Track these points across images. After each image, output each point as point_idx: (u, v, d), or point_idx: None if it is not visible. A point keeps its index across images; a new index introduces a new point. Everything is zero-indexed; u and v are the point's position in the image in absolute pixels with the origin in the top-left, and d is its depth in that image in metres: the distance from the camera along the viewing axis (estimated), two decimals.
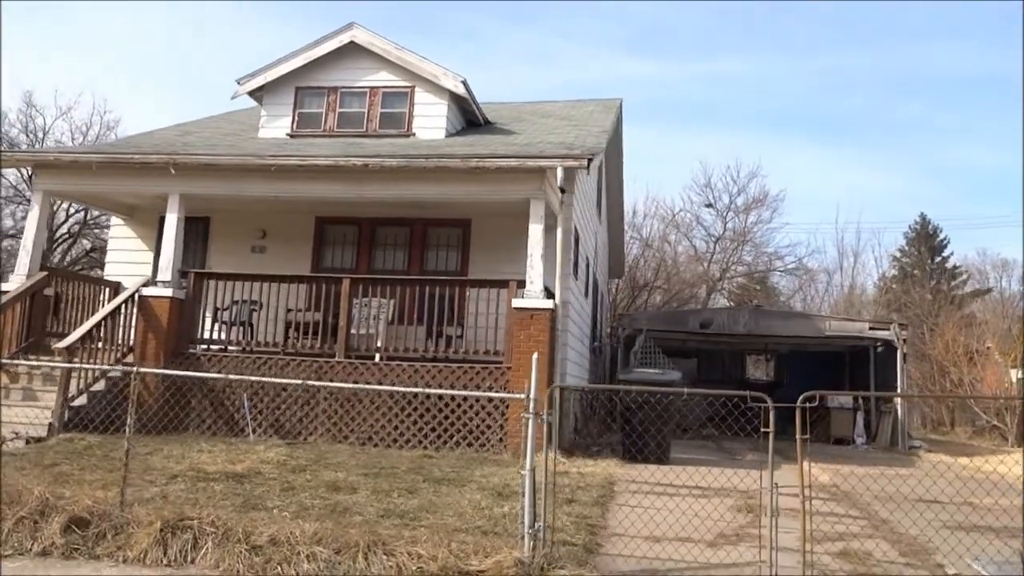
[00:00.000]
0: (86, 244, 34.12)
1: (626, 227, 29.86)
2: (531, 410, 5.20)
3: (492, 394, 6.44)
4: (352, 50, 13.24)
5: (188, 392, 10.06)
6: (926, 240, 45.82)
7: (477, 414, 9.64)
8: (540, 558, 5.04)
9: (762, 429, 5.04)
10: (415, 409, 9.77)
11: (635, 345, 15.50)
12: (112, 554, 5.27)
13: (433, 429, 9.65)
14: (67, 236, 33.81)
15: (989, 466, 12.22)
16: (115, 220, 13.43)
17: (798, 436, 5.09)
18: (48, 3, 47.60)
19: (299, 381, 6.38)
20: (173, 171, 10.44)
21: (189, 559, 5.22)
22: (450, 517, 6.19)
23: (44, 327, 11.05)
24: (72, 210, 30.89)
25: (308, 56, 13.22)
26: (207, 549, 5.27)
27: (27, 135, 34.29)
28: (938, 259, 45.52)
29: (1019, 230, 57.64)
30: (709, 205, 39.68)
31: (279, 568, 5.06)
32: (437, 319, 10.46)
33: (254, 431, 10.01)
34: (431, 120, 13.02)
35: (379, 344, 10.59)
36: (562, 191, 9.69)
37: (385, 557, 5.09)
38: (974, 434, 21.11)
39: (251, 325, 10.88)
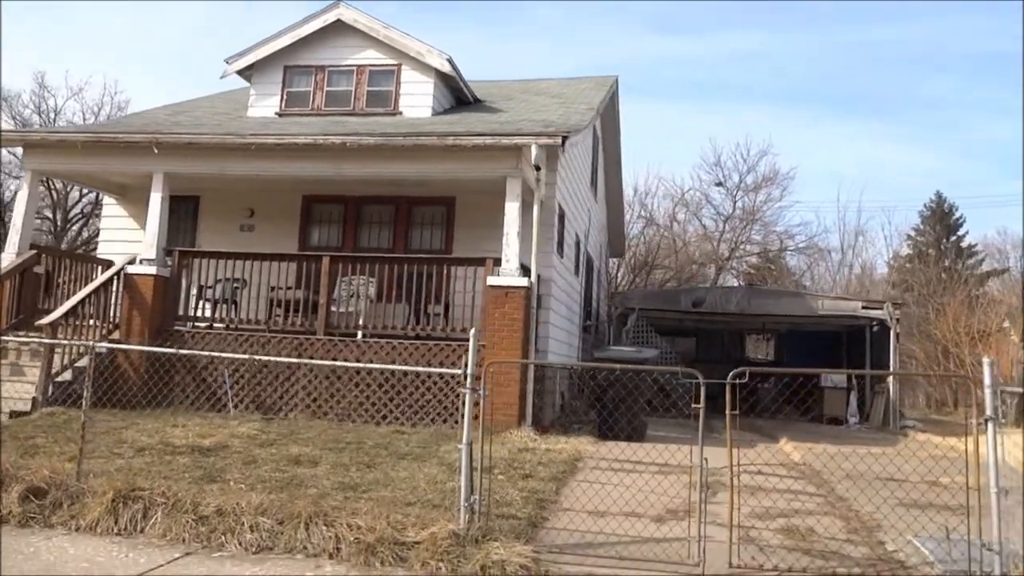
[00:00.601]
0: (100, 224, 34.57)
1: (630, 206, 29.78)
2: (468, 385, 5.25)
3: (432, 370, 6.50)
4: (339, 28, 13.25)
5: (172, 368, 10.23)
6: (941, 219, 45.22)
7: (453, 391, 9.73)
8: (475, 530, 5.12)
9: (693, 405, 5.06)
10: (392, 387, 9.89)
11: (627, 323, 15.51)
12: (66, 523, 5.42)
13: (410, 406, 9.77)
14: (80, 216, 34.28)
15: (974, 446, 12.17)
16: (107, 199, 13.60)
17: (727, 412, 5.13)
18: None
19: (269, 357, 6.51)
20: (156, 150, 10.56)
21: (139, 528, 5.36)
22: (402, 490, 6.30)
23: (35, 304, 11.27)
24: (84, 191, 31.24)
25: (295, 35, 13.25)
26: (157, 519, 5.41)
27: (40, 116, 34.70)
28: (953, 238, 44.94)
29: None
30: (719, 184, 39.38)
31: (223, 537, 5.18)
32: (418, 297, 10.55)
33: (235, 406, 10.18)
34: (417, 98, 13.03)
35: (361, 322, 10.69)
36: (537, 168, 9.67)
37: (325, 528, 5.20)
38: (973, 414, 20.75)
39: (235, 303, 11.02)
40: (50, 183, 29.62)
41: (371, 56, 13.20)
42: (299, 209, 12.71)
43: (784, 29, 62.39)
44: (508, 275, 9.77)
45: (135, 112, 14.51)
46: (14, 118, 33.19)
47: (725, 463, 8.47)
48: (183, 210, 12.88)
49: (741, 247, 37.55)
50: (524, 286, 9.72)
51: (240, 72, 13.60)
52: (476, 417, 5.53)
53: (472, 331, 5.32)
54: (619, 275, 26.55)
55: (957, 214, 45.32)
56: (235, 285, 11.06)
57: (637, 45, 61.71)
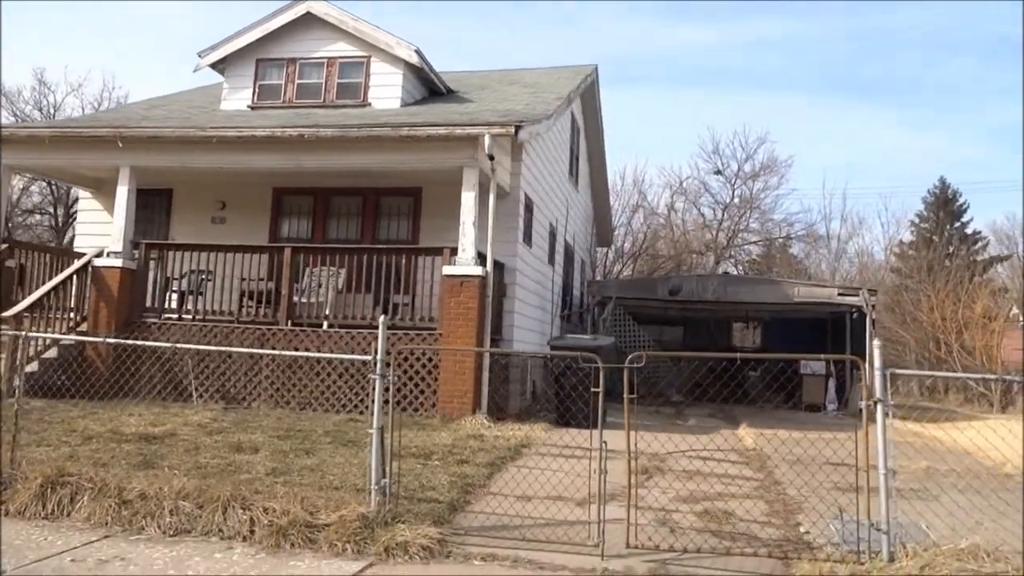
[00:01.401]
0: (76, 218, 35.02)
1: (617, 196, 29.73)
2: (377, 372, 5.35)
3: (344, 356, 6.59)
4: (309, 21, 13.34)
5: (138, 360, 10.39)
6: (945, 204, 44.81)
7: (411, 379, 9.85)
8: (385, 513, 5.24)
9: (592, 389, 5.14)
10: (352, 375, 10.02)
11: (604, 312, 15.58)
12: None
13: (368, 395, 9.87)
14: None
15: (942, 432, 12.18)
16: (83, 193, 13.79)
17: (625, 396, 5.20)
18: None
19: (224, 348, 6.62)
20: (120, 144, 10.70)
21: (65, 512, 5.51)
22: (332, 476, 6.42)
23: (10, 298, 11.46)
24: None
25: (266, 28, 13.36)
26: (83, 503, 5.56)
27: (40, 112, 35.05)
28: (957, 224, 44.57)
29: None
30: (718, 172, 39.25)
31: (143, 521, 5.33)
32: (383, 287, 10.66)
33: (200, 396, 10.35)
34: (387, 90, 13.11)
35: (327, 312, 10.83)
36: (491, 158, 9.74)
37: (242, 511, 5.33)
38: (965, 401, 20.89)
39: (201, 294, 11.17)
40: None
41: (341, 48, 13.30)
42: (270, 201, 12.85)
43: (779, 16, 61.92)
44: (464, 264, 9.87)
45: (115, 107, 14.65)
46: (15, 115, 33.54)
47: (670, 449, 8.58)
48: (156, 203, 13.05)
49: (739, 235, 37.52)
50: (479, 275, 9.81)
51: (213, 65, 13.72)
52: (395, 402, 5.63)
53: (381, 318, 5.42)
54: (617, 266, 26.59)
55: (961, 200, 44.86)
56: (203, 277, 11.21)
57: (647, 31, 61.48)
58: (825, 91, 63.50)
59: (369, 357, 5.45)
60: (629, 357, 5.05)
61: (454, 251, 10.02)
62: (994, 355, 17.96)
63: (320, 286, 11.12)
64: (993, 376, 17.47)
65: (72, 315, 10.88)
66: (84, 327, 10.83)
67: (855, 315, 16.19)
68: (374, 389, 5.43)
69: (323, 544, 5.03)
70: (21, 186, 32.25)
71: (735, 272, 36.77)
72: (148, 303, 11.10)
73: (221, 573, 4.56)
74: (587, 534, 5.11)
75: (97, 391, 9.70)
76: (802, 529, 5.68)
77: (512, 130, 9.59)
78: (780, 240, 39.32)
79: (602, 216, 21.51)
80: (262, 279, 11.24)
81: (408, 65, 13.17)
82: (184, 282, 11.20)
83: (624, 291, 16.20)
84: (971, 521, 5.73)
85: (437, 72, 13.79)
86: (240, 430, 8.18)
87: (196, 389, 10.34)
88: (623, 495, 6.64)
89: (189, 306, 11.26)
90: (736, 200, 37.21)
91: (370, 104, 13.08)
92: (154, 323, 10.89)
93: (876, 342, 4.90)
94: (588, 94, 18.06)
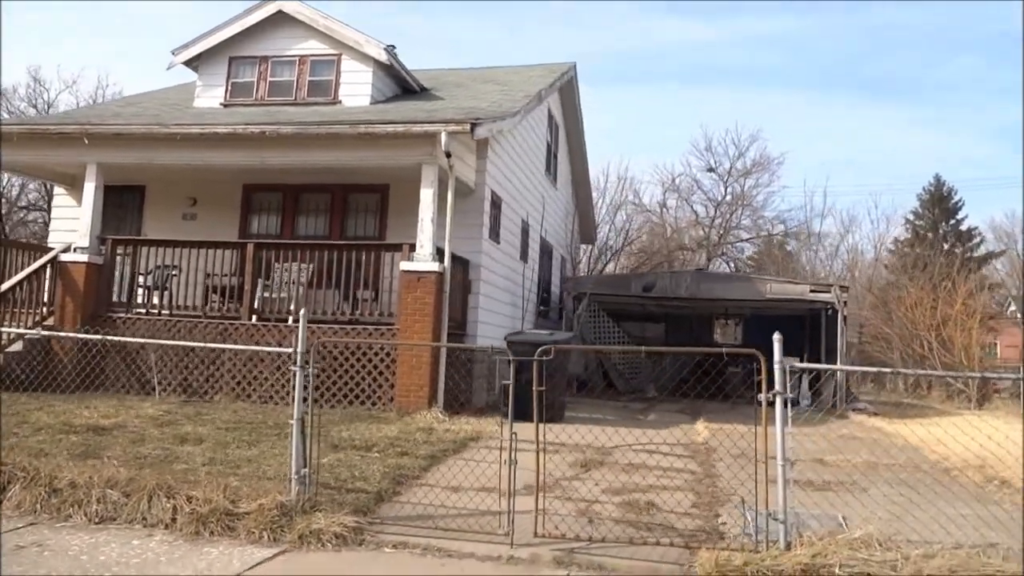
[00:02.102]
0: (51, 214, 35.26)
1: (600, 193, 29.75)
2: (297, 364, 5.45)
3: (269, 348, 6.71)
4: (282, 19, 13.45)
5: (103, 354, 10.52)
6: (940, 202, 44.81)
7: (369, 374, 9.97)
8: (305, 502, 5.35)
9: (502, 382, 5.23)
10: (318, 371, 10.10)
11: (579, 308, 15.67)
12: None
13: (328, 388, 9.99)
14: None
15: (907, 428, 12.26)
16: (58, 189, 13.92)
17: (534, 389, 5.30)
18: None
19: (183, 343, 6.71)
20: (86, 141, 10.82)
21: None
22: (269, 466, 6.53)
23: None
24: None
25: (239, 26, 13.46)
26: (14, 491, 5.69)
27: (36, 109, 35.20)
28: (952, 221, 44.55)
29: None
30: (711, 169, 39.28)
31: (71, 509, 5.46)
32: (347, 283, 10.77)
33: (164, 390, 10.47)
34: (357, 87, 13.21)
35: (292, 307, 10.94)
36: (448, 155, 9.82)
37: (166, 500, 5.45)
38: (946, 398, 20.93)
39: (167, 289, 11.29)
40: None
41: (312, 46, 13.40)
42: (240, 198, 12.96)
43: (779, 14, 61.85)
44: (421, 260, 9.97)
45: (91, 105, 14.78)
46: (10, 112, 33.69)
47: (616, 442, 8.68)
48: (130, 200, 13.19)
49: (731, 233, 37.57)
50: (436, 271, 9.91)
51: (188, 63, 13.84)
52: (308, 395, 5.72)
53: (302, 312, 5.52)
54: (601, 263, 26.67)
55: (956, 197, 44.87)
56: (170, 272, 11.33)
57: (647, 28, 61.46)
58: (823, 88, 63.45)
59: (290, 350, 5.55)
60: (539, 350, 5.15)
61: (412, 247, 10.12)
62: (971, 352, 18.00)
63: (287, 282, 11.24)
64: (924, 372, 17.56)
65: (41, 309, 11.01)
66: (51, 321, 10.96)
67: (829, 312, 16.25)
68: (294, 381, 5.52)
69: (241, 532, 5.14)
70: (20, 184, 32.45)
71: (727, 269, 36.90)
72: (115, 298, 11.22)
73: (132, 559, 4.67)
74: (498, 524, 5.21)
75: (61, 385, 9.83)
76: (720, 520, 5.78)
77: (468, 127, 9.68)
78: (773, 237, 39.36)
79: (585, 213, 21.58)
80: (229, 274, 11.36)
81: (378, 63, 13.26)
82: (151, 277, 11.31)
83: (599, 287, 16.29)
84: (888, 513, 5.82)
85: (408, 70, 13.89)
86: (191, 422, 8.29)
87: (159, 383, 10.47)
88: (553, 486, 6.77)
89: (155, 301, 11.38)
90: (728, 197, 37.32)
91: (340, 102, 13.18)
92: (120, 318, 11.01)
93: (776, 336, 4.99)
94: (567, 92, 18.13)
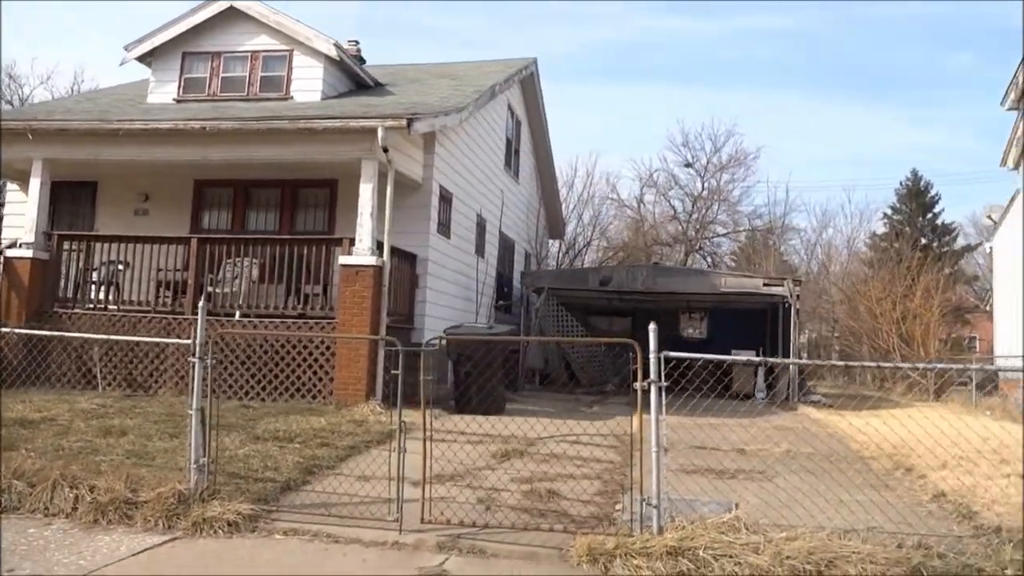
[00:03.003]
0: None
1: (566, 186, 29.83)
2: (196, 355, 5.55)
3: (168, 340, 6.81)
4: (233, 15, 13.48)
5: (48, 349, 10.58)
6: (917, 196, 45.13)
7: (310, 367, 10.08)
8: (203, 491, 5.47)
9: (392, 371, 5.35)
10: (254, 363, 10.22)
11: (536, 302, 15.82)
12: None
13: (270, 381, 10.09)
14: None
15: (845, 421, 12.33)
16: (11, 186, 13.96)
17: (421, 378, 5.42)
18: None
19: (106, 336, 6.79)
20: (31, 136, 10.88)
21: None
22: (182, 457, 6.62)
23: None
24: None
25: (191, 21, 13.50)
26: None
27: (11, 105, 35.06)
28: (928, 216, 44.89)
29: None
30: (689, 165, 39.48)
31: None
32: (295, 277, 10.87)
33: (108, 384, 10.56)
34: (308, 83, 13.27)
35: (240, 302, 11.04)
36: (385, 150, 9.92)
37: (69, 489, 5.56)
38: (907, 391, 21.15)
39: (115, 284, 11.36)
40: None
41: (264, 42, 13.45)
42: (191, 193, 13.02)
43: (770, 11, 62.07)
44: (360, 254, 10.08)
45: (51, 100, 14.79)
46: None
47: (549, 433, 8.82)
48: (82, 195, 13.24)
49: (708, 227, 37.78)
50: (374, 265, 10.02)
51: (140, 58, 13.86)
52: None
53: (200, 303, 5.62)
54: (567, 258, 26.81)
55: (933, 192, 45.19)
56: (118, 267, 11.40)
57: (645, 24, 61.58)
58: (809, 85, 63.69)
59: (190, 341, 5.65)
60: (426, 340, 5.26)
61: (352, 241, 10.22)
62: (928, 345, 18.24)
63: (236, 276, 11.33)
64: (851, 363, 17.79)
65: None
66: None
67: (787, 305, 16.43)
68: (192, 372, 5.62)
69: (138, 520, 5.26)
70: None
71: (705, 264, 37.12)
72: (61, 294, 11.28)
73: (20, 546, 4.77)
74: (387, 510, 5.34)
75: (7, 380, 9.90)
76: (619, 507, 5.91)
77: (405, 123, 9.78)
78: (756, 233, 39.60)
79: (551, 208, 21.71)
80: (179, 269, 11.44)
81: (328, 59, 13.32)
82: (99, 273, 11.38)
83: (557, 282, 16.42)
84: (785, 499, 5.95)
85: (361, 66, 13.99)
86: (122, 416, 8.39)
87: (103, 377, 10.55)
88: (467, 475, 6.91)
89: (103, 296, 11.45)
90: (705, 192, 37.52)
91: (292, 97, 13.24)
92: (66, 313, 11.08)
93: (652, 326, 5.12)
94: (528, 87, 18.24)
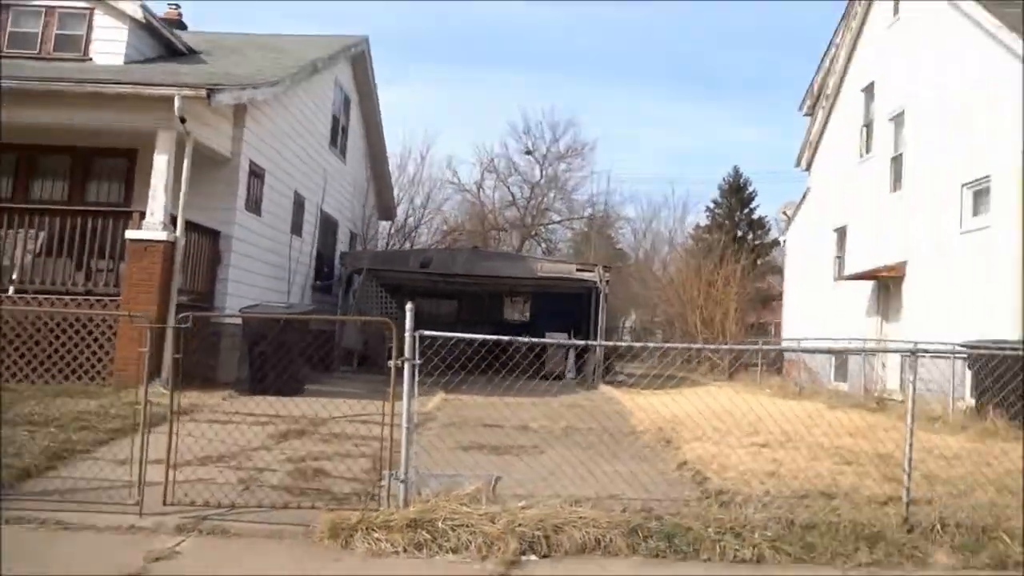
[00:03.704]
0: None
1: (398, 169, 29.78)
2: None
3: None
4: None
5: None
6: (736, 192, 48.51)
7: (89, 347, 9.52)
8: None
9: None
10: (24, 343, 9.51)
11: (354, 283, 15.71)
12: None
13: (42, 363, 9.44)
14: None
15: (635, 400, 13.11)
16: None
17: (170, 356, 5.29)
18: None
19: None
20: None
21: None
22: None
23: None
24: None
25: None
26: None
27: None
28: (746, 211, 48.46)
29: None
30: (529, 152, 40.46)
31: None
32: (85, 252, 10.19)
33: None
34: (111, 44, 12.45)
35: (14, 277, 10.21)
36: (183, 120, 9.50)
37: None
38: (709, 371, 22.87)
39: None
40: None
41: None
42: None
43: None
44: (150, 229, 9.62)
45: None
46: None
47: (341, 413, 8.82)
48: None
49: (544, 214, 38.90)
50: (165, 240, 9.59)
51: None
52: None
53: None
54: (395, 240, 26.76)
55: (750, 188, 48.58)
56: None
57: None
58: (648, 80, 66.63)
59: None
60: (179, 317, 5.13)
61: (142, 215, 9.73)
62: (727, 329, 19.83)
63: (15, 249, 10.47)
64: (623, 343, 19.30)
65: None
66: None
67: (598, 291, 17.28)
68: None
69: None
70: None
71: (540, 251, 38.22)
72: None
73: None
74: (129, 495, 5.18)
75: None
76: (383, 484, 6.04)
77: (204, 93, 9.40)
78: (594, 221, 41.22)
79: (382, 190, 21.56)
80: None
81: (134, 20, 12.54)
82: None
83: (376, 263, 16.39)
84: (546, 471, 6.28)
85: (172, 30, 13.27)
86: None
87: None
88: (239, 455, 6.82)
89: None
90: (543, 180, 38.58)
91: (91, 59, 12.36)
92: None
93: (409, 306, 5.25)
94: (360, 66, 17.99)
